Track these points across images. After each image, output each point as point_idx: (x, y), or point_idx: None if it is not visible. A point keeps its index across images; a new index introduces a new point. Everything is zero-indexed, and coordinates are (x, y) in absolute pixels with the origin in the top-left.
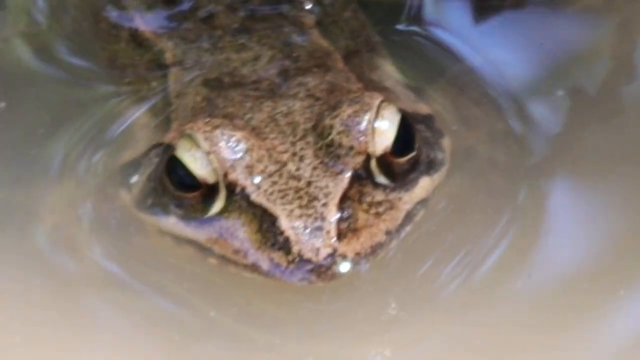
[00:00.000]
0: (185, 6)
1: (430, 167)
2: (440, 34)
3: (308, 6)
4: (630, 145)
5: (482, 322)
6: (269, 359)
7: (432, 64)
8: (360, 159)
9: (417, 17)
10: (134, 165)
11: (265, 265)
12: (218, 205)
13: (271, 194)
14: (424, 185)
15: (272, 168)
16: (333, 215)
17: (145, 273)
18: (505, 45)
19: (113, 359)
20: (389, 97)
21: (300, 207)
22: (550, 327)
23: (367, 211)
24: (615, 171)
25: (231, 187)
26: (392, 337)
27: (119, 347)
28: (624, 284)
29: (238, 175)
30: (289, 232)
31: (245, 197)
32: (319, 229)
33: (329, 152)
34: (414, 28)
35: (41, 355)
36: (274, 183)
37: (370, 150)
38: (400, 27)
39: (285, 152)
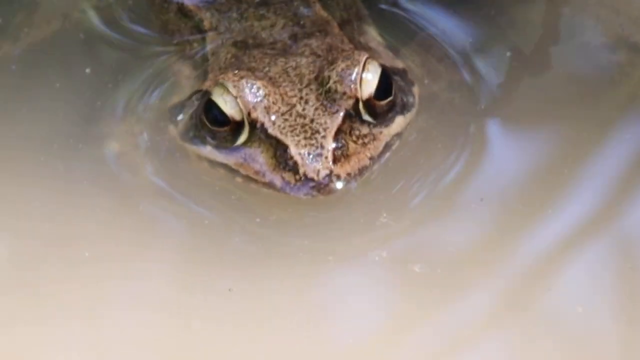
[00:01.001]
0: None
1: (404, 108)
2: (411, 8)
3: None
4: (556, 92)
5: (446, 223)
6: (288, 255)
7: (405, 31)
8: (350, 102)
9: None
10: (180, 107)
11: (278, 182)
12: (243, 137)
13: (283, 128)
14: (398, 122)
15: (284, 109)
16: (330, 145)
17: (187, 188)
18: (461, 16)
19: (166, 255)
20: (373, 55)
21: (305, 138)
22: (496, 228)
23: (355, 142)
24: (544, 112)
25: (253, 123)
26: (384, 237)
27: (172, 245)
28: (551, 202)
29: (258, 114)
30: (297, 157)
31: (264, 130)
32: (319, 155)
33: (327, 96)
34: (393, 4)
35: (109, 266)
36: (285, 120)
37: (358, 95)
38: (382, 4)
39: (294, 96)
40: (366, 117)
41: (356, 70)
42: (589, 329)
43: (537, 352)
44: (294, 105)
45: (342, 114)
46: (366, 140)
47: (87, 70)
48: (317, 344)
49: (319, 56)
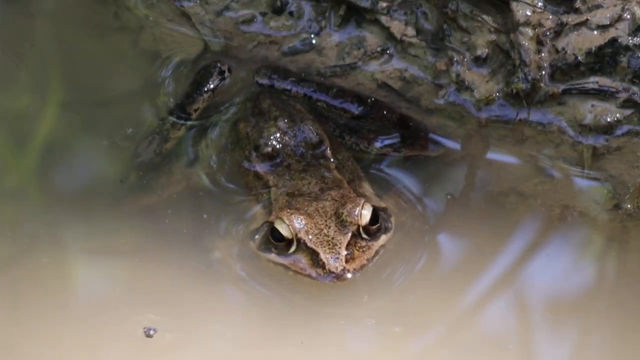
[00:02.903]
0: (278, 161)
1: (386, 230)
2: (389, 172)
3: (332, 160)
4: (473, 215)
5: (415, 298)
6: (317, 317)
7: (385, 185)
8: (355, 227)
9: (380, 166)
10: (256, 231)
11: (314, 274)
12: (292, 248)
13: (315, 242)
14: (383, 238)
15: (316, 231)
16: (343, 252)
17: (260, 277)
18: (417, 175)
19: (239, 319)
20: (367, 199)
21: (329, 248)
22: (448, 296)
23: (358, 250)
24: (467, 227)
25: (298, 240)
26: (374, 308)
27: (245, 312)
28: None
29: (301, 235)
30: (324, 259)
31: (305, 244)
32: (337, 258)
33: (341, 224)
34: (379, 170)
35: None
36: (317, 238)
37: (359, 223)
38: (372, 170)
39: (322, 224)
40: (364, 236)
41: (358, 209)
42: None
43: None
44: (322, 229)
45: (350, 234)
46: (364, 249)
47: (205, 216)
48: None
49: (336, 201)
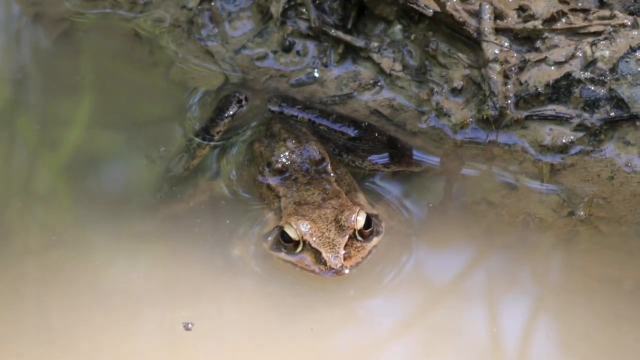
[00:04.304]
0: (287, 175)
1: (377, 233)
2: (381, 184)
3: (332, 174)
4: (452, 222)
5: (399, 292)
6: (319, 304)
7: (377, 196)
8: (351, 231)
9: (372, 180)
10: (268, 234)
11: (317, 270)
12: (299, 249)
13: (318, 243)
14: (375, 240)
15: (318, 234)
16: (342, 252)
17: (272, 272)
18: (405, 186)
19: (250, 306)
20: (362, 207)
21: (330, 248)
22: (429, 296)
23: (353, 250)
24: (448, 232)
25: (304, 241)
26: (362, 297)
27: (257, 299)
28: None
29: (307, 237)
30: (326, 257)
31: (309, 245)
32: (337, 257)
33: (340, 228)
34: (371, 183)
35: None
36: (320, 240)
37: (355, 227)
38: (366, 183)
39: (324, 228)
40: (359, 238)
41: (354, 215)
42: None
43: None
44: (324, 233)
45: (347, 236)
46: (359, 249)
47: (227, 221)
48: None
49: (335, 209)
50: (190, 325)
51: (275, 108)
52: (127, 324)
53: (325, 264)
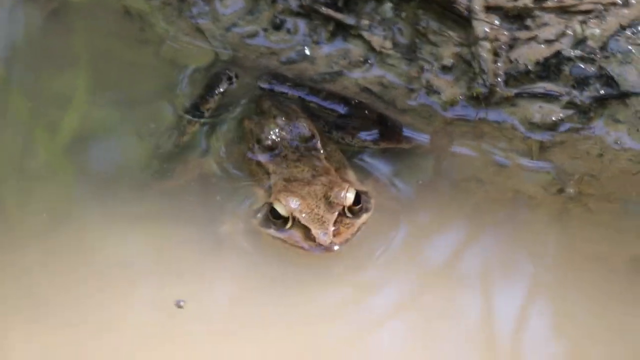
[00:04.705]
0: (277, 152)
1: (367, 210)
2: (369, 160)
3: (322, 151)
4: (439, 198)
5: (390, 267)
6: (308, 278)
7: (366, 172)
8: (340, 207)
9: (361, 157)
10: (258, 210)
11: (306, 246)
12: (288, 225)
13: (307, 219)
14: (364, 217)
15: (308, 210)
16: (331, 228)
17: (261, 247)
18: (394, 163)
19: (237, 278)
20: (351, 184)
21: (319, 224)
22: (421, 270)
23: (343, 226)
24: (436, 209)
25: (293, 218)
26: (352, 271)
27: (243, 273)
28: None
29: (296, 213)
30: (315, 234)
31: (299, 221)
32: (326, 233)
33: (329, 204)
34: (361, 160)
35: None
36: (309, 216)
37: (344, 204)
38: (355, 160)
39: (314, 205)
40: (348, 214)
41: (343, 192)
42: None
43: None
44: (313, 209)
45: (336, 213)
46: (348, 226)
47: (218, 198)
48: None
49: (325, 185)
50: (182, 303)
51: (266, 85)
52: (119, 302)
53: (314, 240)
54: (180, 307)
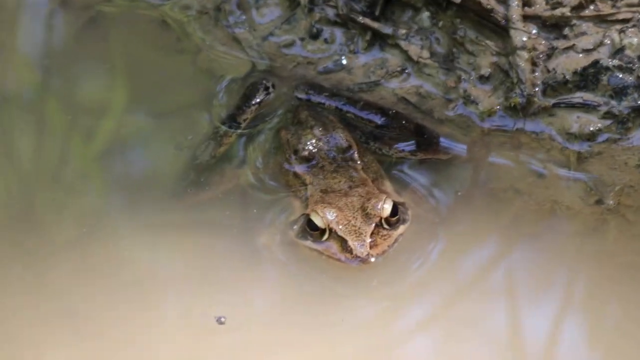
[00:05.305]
0: (314, 163)
1: (404, 221)
2: (408, 172)
3: (359, 162)
4: (479, 211)
5: (427, 281)
6: (345, 293)
7: (404, 183)
8: (377, 219)
9: (399, 168)
10: (295, 222)
11: (343, 258)
12: (325, 236)
13: (344, 231)
14: (401, 228)
15: (345, 222)
16: (368, 240)
17: (298, 259)
18: (433, 175)
19: (275, 294)
20: (388, 195)
21: (356, 236)
22: (453, 284)
23: (380, 238)
24: (475, 222)
25: (330, 230)
26: (388, 282)
27: (280, 286)
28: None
29: (333, 225)
30: (352, 246)
31: (335, 233)
32: (363, 245)
33: (366, 216)
34: (398, 171)
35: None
36: (346, 228)
37: (381, 215)
38: (393, 171)
39: (350, 216)
40: (385, 226)
41: (380, 203)
42: None
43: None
44: (350, 221)
45: (373, 224)
46: (385, 237)
47: (255, 210)
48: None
49: (362, 196)
50: (223, 319)
51: (302, 95)
52: (151, 314)
53: (351, 252)
54: (221, 323)
